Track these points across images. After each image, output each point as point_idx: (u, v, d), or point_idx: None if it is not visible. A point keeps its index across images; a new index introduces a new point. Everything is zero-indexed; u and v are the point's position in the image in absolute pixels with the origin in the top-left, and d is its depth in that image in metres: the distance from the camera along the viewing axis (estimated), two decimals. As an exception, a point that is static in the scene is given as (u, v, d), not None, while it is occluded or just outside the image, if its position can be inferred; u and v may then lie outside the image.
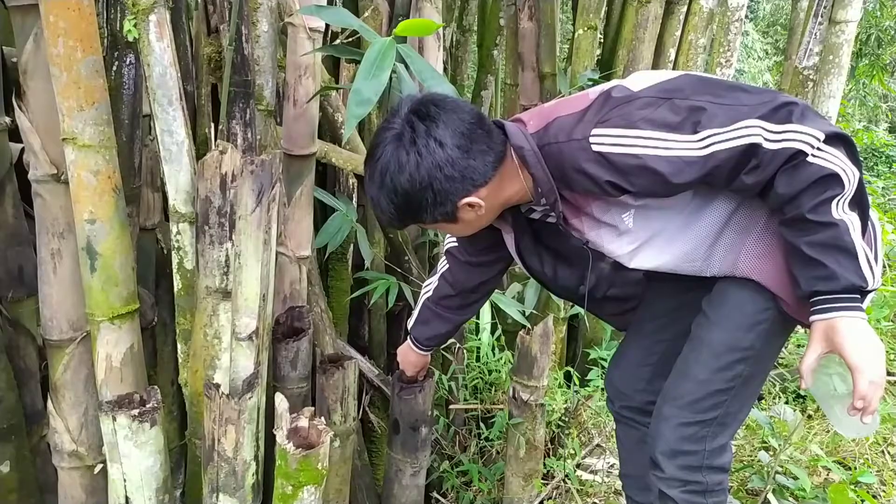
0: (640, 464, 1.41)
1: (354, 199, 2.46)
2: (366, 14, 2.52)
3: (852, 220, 1.02)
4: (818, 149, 1.00)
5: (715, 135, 1.02)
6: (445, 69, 3.07)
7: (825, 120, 1.05)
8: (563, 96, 2.55)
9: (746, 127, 1.01)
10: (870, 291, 1.05)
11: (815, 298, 1.04)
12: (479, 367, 2.24)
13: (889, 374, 2.57)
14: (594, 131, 1.08)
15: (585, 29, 2.53)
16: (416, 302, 2.28)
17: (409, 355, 1.68)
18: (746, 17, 7.80)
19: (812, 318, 1.05)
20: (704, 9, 2.58)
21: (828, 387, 1.13)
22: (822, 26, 2.46)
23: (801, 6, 3.44)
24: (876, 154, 6.46)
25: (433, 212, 1.14)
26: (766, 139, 1.00)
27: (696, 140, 1.03)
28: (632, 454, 1.51)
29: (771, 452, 1.81)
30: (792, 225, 1.05)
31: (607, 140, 1.08)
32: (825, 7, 2.44)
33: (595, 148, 1.08)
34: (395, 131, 1.10)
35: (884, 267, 2.68)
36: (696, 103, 1.05)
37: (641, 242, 1.19)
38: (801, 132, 1.00)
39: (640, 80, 1.14)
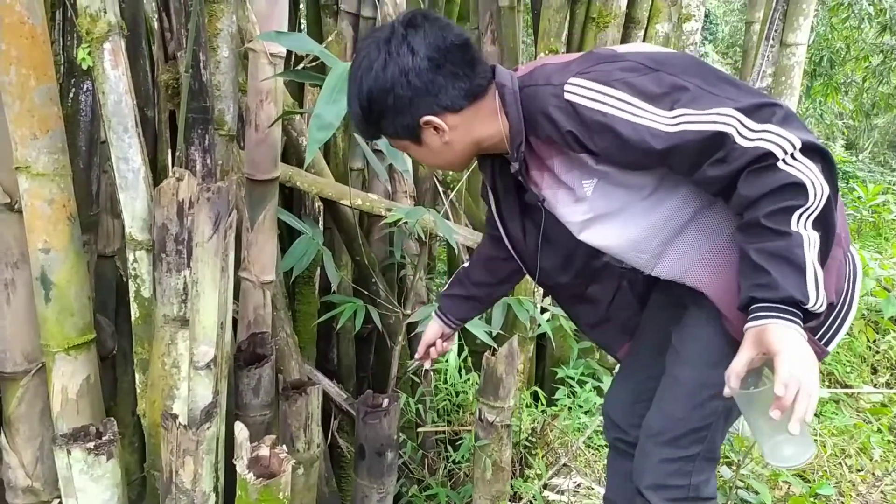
0: (626, 494, 1.38)
1: (321, 222, 2.46)
2: (329, 38, 2.54)
3: (810, 237, 0.97)
4: (791, 156, 0.96)
5: (688, 115, 1.00)
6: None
7: (808, 130, 1.01)
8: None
9: (721, 115, 0.98)
10: (813, 315, 1.00)
11: (753, 307, 0.99)
12: (446, 388, 2.24)
13: (846, 385, 2.63)
14: (571, 80, 1.06)
15: (547, 52, 2.58)
16: (382, 324, 2.29)
17: (431, 325, 1.58)
18: (706, 39, 8.02)
19: (746, 325, 1.00)
20: (660, 33, 2.66)
21: (758, 403, 1.02)
22: (773, 49, 2.54)
23: (753, 29, 3.55)
24: (833, 170, 6.61)
25: (395, 121, 1.12)
26: (739, 133, 0.97)
27: (669, 115, 1.00)
28: (619, 482, 1.46)
29: (732, 467, 1.84)
30: (747, 230, 1.01)
31: (580, 91, 1.06)
32: (776, 31, 2.53)
33: (567, 96, 1.06)
34: (380, 36, 1.09)
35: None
36: (682, 82, 1.02)
37: (595, 215, 1.15)
38: (778, 135, 0.96)
39: (635, 47, 1.15)
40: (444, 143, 1.15)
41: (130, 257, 1.29)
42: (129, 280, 1.31)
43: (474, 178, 3.08)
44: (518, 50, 2.67)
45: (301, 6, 2.95)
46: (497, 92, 1.14)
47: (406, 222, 2.18)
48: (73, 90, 1.46)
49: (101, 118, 1.27)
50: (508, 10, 2.57)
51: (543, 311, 2.34)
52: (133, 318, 1.36)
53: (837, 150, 7.18)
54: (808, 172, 0.96)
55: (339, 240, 2.50)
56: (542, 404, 2.28)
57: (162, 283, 1.23)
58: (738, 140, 0.97)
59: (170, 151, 1.26)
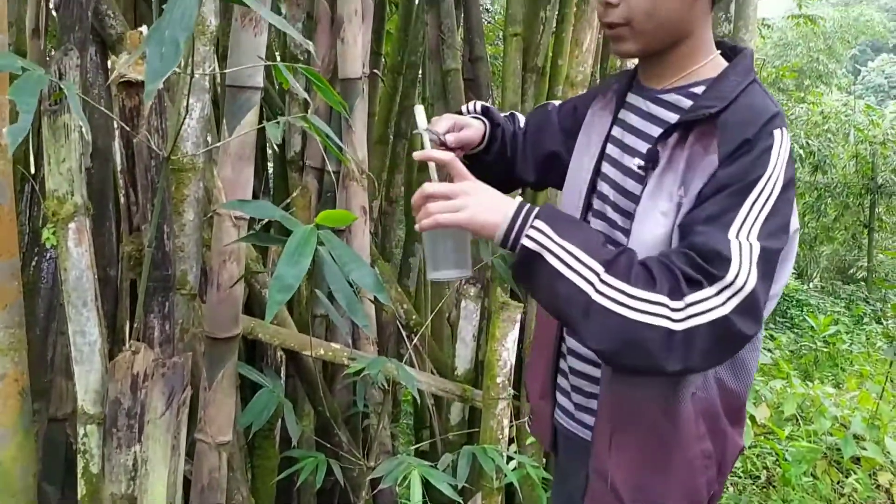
0: None
1: (283, 372, 2.43)
2: (295, 193, 2.65)
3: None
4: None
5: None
6: (375, 237, 3.21)
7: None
8: (485, 262, 2.68)
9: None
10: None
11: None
12: (412, 548, 2.13)
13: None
14: (785, 129, 0.97)
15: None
16: (344, 478, 2.20)
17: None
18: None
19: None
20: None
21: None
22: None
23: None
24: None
25: None
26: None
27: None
28: None
29: None
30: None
31: (785, 142, 0.95)
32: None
33: (775, 131, 0.95)
34: None
35: (798, 421, 2.76)
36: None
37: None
38: None
39: None
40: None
41: (81, 431, 1.26)
42: (78, 455, 1.27)
43: (437, 321, 3.13)
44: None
45: (269, 162, 3.10)
46: (724, 52, 1.06)
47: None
48: (36, 258, 1.49)
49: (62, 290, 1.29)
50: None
51: (509, 459, 2.29)
52: (80, 496, 1.30)
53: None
54: None
55: (301, 389, 2.46)
56: (514, 560, 2.17)
57: (111, 460, 1.20)
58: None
59: (128, 322, 1.27)
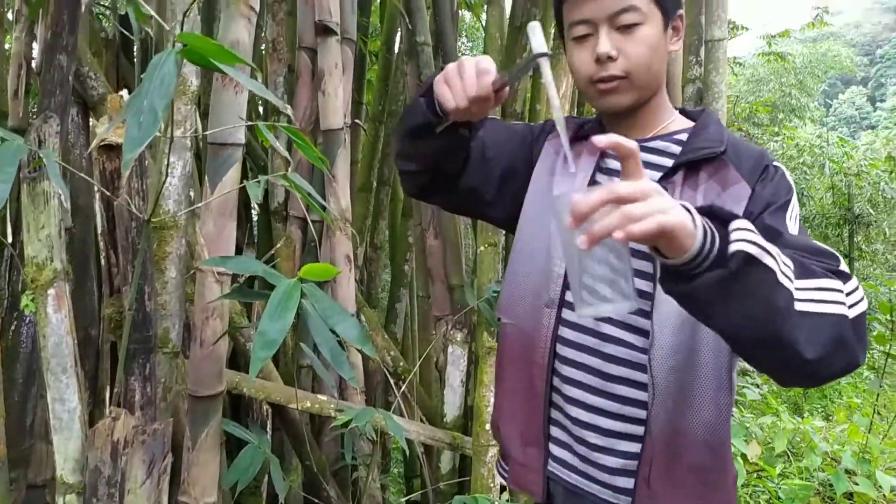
0: None
1: (269, 426, 2.39)
2: (279, 244, 2.66)
3: None
4: None
5: None
6: (361, 284, 3.20)
7: None
8: (471, 307, 2.69)
9: None
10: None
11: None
12: None
13: None
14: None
15: (486, 245, 2.74)
16: None
17: None
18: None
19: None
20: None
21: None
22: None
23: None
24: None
25: None
26: None
27: None
28: None
29: None
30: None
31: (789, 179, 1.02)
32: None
33: (777, 163, 1.02)
34: None
35: (788, 457, 2.74)
36: None
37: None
38: None
39: None
40: (664, 49, 1.04)
41: (60, 501, 1.23)
42: (56, 526, 1.23)
43: (425, 367, 3.11)
44: (459, 243, 2.83)
45: (253, 213, 3.11)
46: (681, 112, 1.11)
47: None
48: (15, 323, 1.47)
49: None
50: (448, 209, 2.74)
51: (502, 509, 2.25)
52: (57, 568, 1.26)
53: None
54: None
55: (288, 443, 2.42)
56: None
57: (91, 530, 1.17)
58: None
59: (109, 386, 1.25)
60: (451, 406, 2.61)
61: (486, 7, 3.05)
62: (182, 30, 1.19)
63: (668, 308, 0.95)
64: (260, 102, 3.19)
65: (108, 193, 1.12)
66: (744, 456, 2.31)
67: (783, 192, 0.99)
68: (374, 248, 3.24)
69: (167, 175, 1.66)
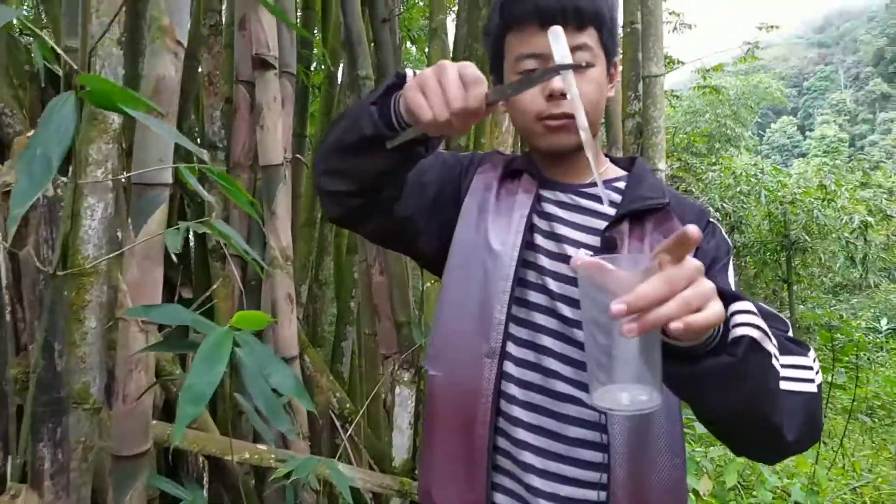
0: None
1: (205, 481, 2.25)
2: (216, 284, 2.54)
3: None
4: None
5: None
6: (306, 321, 3.10)
7: None
8: (418, 345, 2.62)
9: None
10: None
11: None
12: None
13: None
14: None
15: (433, 281, 2.69)
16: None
17: None
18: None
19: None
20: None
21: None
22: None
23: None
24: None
25: (614, 36, 1.04)
26: None
27: None
28: None
29: None
30: None
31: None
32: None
33: (712, 219, 1.03)
34: None
35: (739, 491, 2.73)
36: None
37: None
38: None
39: None
40: (606, 92, 1.04)
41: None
42: None
43: (373, 407, 3.01)
44: (406, 279, 2.77)
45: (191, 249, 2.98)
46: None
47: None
48: None
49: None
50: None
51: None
52: None
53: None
54: None
55: (227, 498, 2.28)
56: None
57: None
58: None
59: (9, 457, 1.13)
60: (400, 449, 2.52)
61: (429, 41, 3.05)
62: (89, 67, 1.11)
63: None
64: (198, 138, 3.08)
65: (7, 246, 1.02)
66: (696, 492, 2.29)
67: (724, 250, 0.99)
68: (319, 285, 3.15)
69: (86, 218, 1.55)
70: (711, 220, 1.03)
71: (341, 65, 3.11)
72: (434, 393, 1.04)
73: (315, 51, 3.67)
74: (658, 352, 0.67)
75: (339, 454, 2.50)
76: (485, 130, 2.94)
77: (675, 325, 0.62)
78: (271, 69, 2.34)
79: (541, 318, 0.99)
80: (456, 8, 4.09)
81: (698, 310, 0.64)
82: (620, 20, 2.87)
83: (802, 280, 7.35)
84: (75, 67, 0.92)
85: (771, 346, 0.73)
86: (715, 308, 0.65)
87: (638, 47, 2.57)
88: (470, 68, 0.78)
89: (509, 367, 0.98)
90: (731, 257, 1.00)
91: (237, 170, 2.56)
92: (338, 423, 2.64)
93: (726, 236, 1.03)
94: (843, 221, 6.83)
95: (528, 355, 0.98)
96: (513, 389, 0.98)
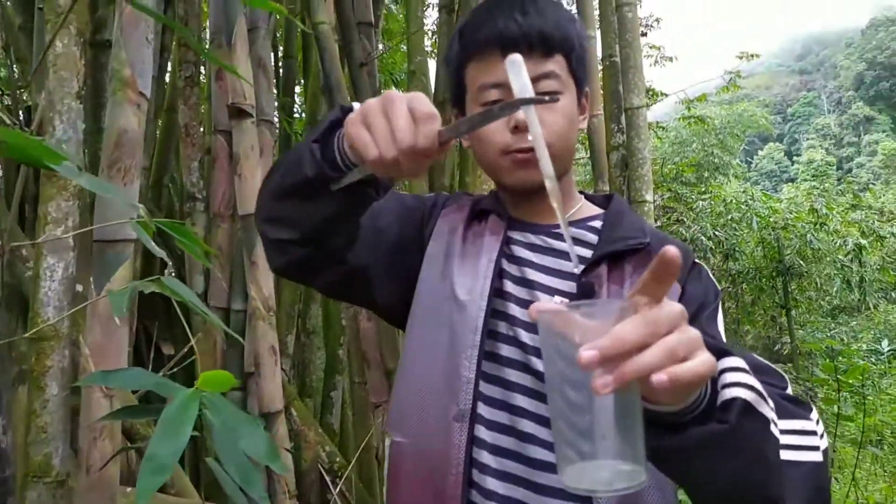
0: None
1: (184, 549, 2.12)
2: (198, 335, 2.45)
3: None
4: None
5: None
6: (294, 372, 3.00)
7: None
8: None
9: None
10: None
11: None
12: None
13: None
14: None
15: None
16: None
17: None
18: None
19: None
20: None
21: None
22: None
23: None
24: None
25: (584, 67, 0.97)
26: None
27: None
28: None
29: None
30: None
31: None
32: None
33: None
34: None
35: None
36: None
37: None
38: None
39: None
40: (578, 124, 0.97)
41: None
42: None
43: (365, 458, 2.89)
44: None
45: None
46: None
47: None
48: None
49: None
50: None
51: None
52: None
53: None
54: None
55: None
56: None
57: None
58: None
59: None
60: None
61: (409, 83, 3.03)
62: (42, 124, 1.05)
63: None
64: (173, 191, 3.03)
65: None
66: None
67: (712, 294, 0.90)
68: (307, 334, 3.06)
69: (45, 280, 1.48)
70: (697, 262, 0.94)
71: (321, 111, 3.08)
72: (397, 462, 0.92)
73: (297, 98, 3.66)
74: (640, 414, 0.55)
75: (328, 512, 2.39)
76: (469, 167, 2.90)
77: (658, 378, 0.51)
78: (248, 118, 2.30)
79: (513, 375, 0.89)
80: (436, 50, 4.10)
81: (684, 360, 0.53)
82: (599, 53, 2.86)
83: (800, 305, 7.28)
84: (9, 123, 0.86)
85: (768, 410, 0.63)
86: (703, 359, 0.55)
87: (618, 80, 2.55)
88: (421, 101, 0.68)
89: (481, 432, 0.87)
90: (720, 303, 0.91)
91: (218, 220, 2.50)
92: (328, 478, 2.52)
93: (713, 279, 0.94)
94: (837, 245, 6.81)
95: (502, 417, 0.87)
96: (485, 457, 0.86)
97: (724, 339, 0.86)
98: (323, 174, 0.76)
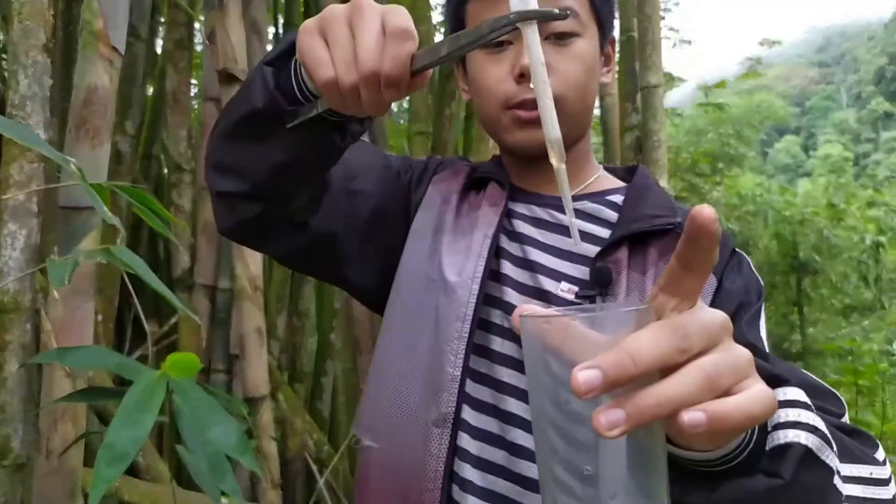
0: None
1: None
2: (179, 314, 2.35)
3: None
4: None
5: None
6: (281, 357, 2.89)
7: None
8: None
9: None
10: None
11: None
12: None
13: None
14: None
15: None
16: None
17: None
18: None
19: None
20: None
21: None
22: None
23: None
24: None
25: (612, 14, 0.82)
26: None
27: None
28: None
29: None
30: None
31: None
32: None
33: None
34: None
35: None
36: None
37: None
38: None
39: None
40: (599, 76, 0.81)
41: None
42: None
43: (356, 448, 2.79)
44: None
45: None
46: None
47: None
48: None
49: None
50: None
51: None
52: None
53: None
54: None
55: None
56: None
57: None
58: None
59: None
60: (381, 496, 2.30)
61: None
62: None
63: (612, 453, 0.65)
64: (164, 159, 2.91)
65: None
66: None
67: (755, 291, 0.73)
68: (298, 316, 2.95)
69: (6, 248, 1.37)
70: (737, 250, 0.77)
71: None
72: (367, 471, 0.78)
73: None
74: (663, 459, 0.38)
75: (312, 501, 2.29)
76: (474, 147, 2.76)
77: (692, 418, 0.36)
78: (239, 84, 2.17)
79: (506, 375, 0.73)
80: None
81: (728, 392, 0.38)
82: (616, 30, 2.70)
83: (813, 302, 7.10)
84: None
85: (832, 457, 0.47)
86: (755, 392, 0.38)
87: (634, 57, 2.40)
88: (398, 15, 0.53)
89: (464, 441, 0.72)
90: (763, 302, 0.73)
91: (205, 192, 2.39)
92: (314, 468, 2.42)
93: (756, 273, 0.76)
94: (855, 241, 6.62)
95: (490, 425, 0.73)
96: (468, 472, 0.72)
97: (768, 350, 0.70)
98: (275, 106, 0.61)
